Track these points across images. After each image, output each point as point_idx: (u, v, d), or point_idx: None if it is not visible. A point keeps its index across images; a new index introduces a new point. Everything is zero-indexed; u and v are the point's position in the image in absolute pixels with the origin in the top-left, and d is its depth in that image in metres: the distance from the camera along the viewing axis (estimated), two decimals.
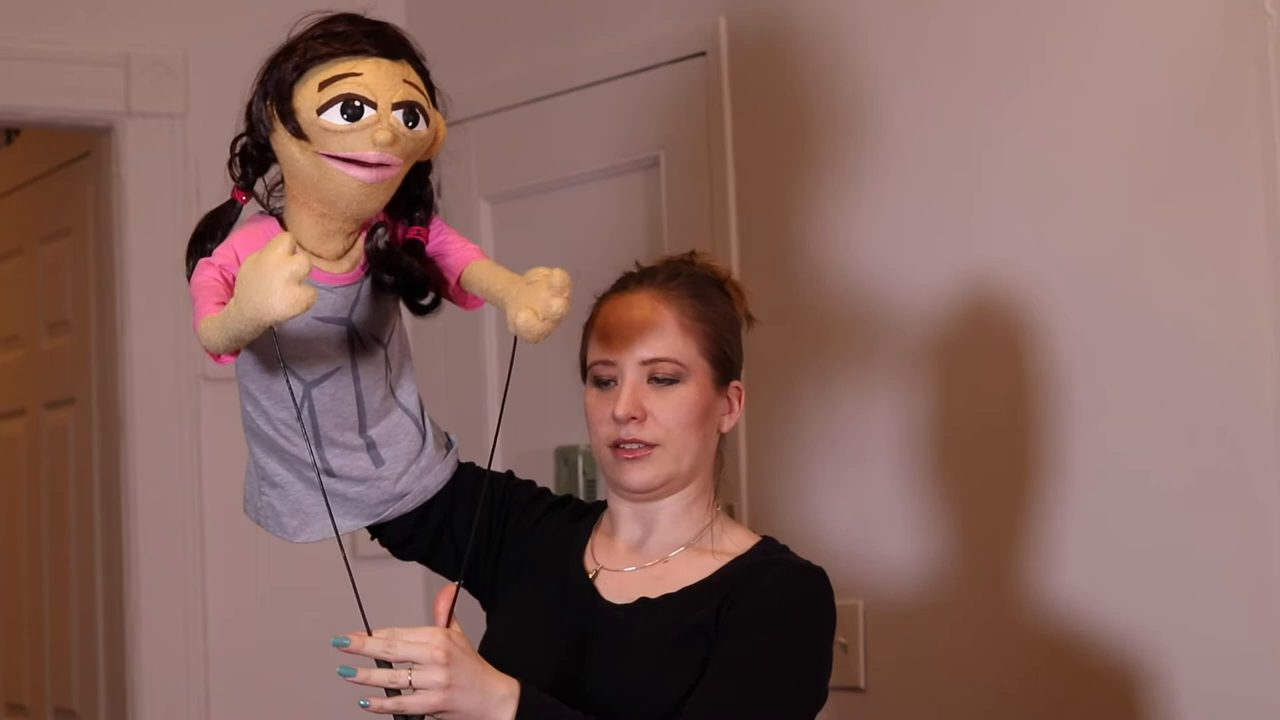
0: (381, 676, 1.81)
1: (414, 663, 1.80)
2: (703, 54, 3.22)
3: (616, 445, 2.03)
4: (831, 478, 2.97)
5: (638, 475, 2.03)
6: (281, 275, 1.69)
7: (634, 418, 2.01)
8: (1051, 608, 2.67)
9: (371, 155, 1.82)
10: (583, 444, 3.46)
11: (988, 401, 2.77)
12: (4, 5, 3.57)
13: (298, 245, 1.89)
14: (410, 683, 1.80)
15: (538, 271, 1.83)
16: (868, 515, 2.91)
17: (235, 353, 1.81)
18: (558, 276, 1.81)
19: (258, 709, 3.66)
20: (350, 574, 1.95)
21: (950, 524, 2.80)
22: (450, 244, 1.97)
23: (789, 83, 3.07)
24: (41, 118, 3.69)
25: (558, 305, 1.80)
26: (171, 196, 3.64)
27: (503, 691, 1.83)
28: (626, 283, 2.10)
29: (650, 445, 2.02)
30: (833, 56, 3.00)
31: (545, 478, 3.28)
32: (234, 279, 1.80)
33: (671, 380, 2.03)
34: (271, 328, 1.74)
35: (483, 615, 2.17)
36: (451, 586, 1.89)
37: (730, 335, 2.10)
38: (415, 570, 3.72)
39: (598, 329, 2.07)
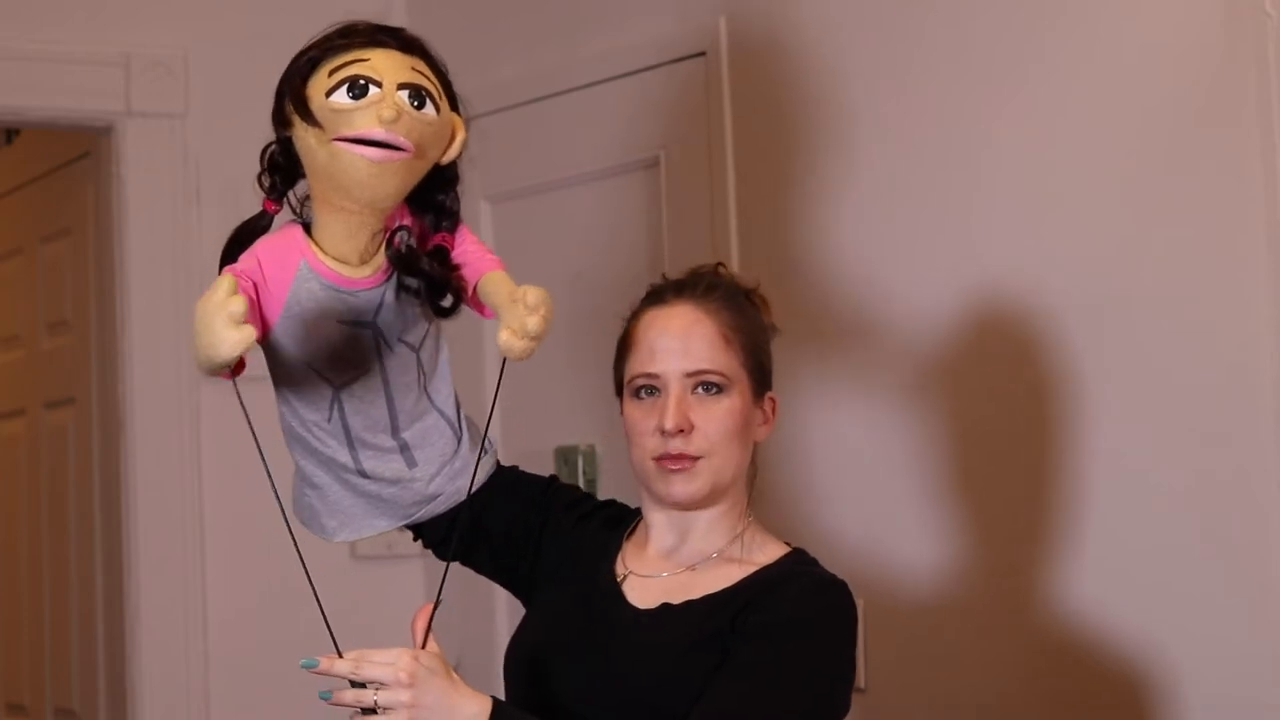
0: (350, 697, 1.83)
1: (380, 683, 1.81)
2: (703, 54, 3.22)
3: (660, 458, 2.03)
4: (834, 480, 2.97)
5: (683, 488, 2.03)
6: (220, 318, 1.76)
7: (682, 430, 2.02)
8: (1051, 608, 2.66)
9: (378, 132, 1.86)
10: (583, 444, 3.47)
11: (987, 403, 2.77)
12: (4, 5, 3.57)
13: (328, 258, 1.94)
14: (376, 703, 1.81)
15: (518, 290, 1.87)
16: (870, 516, 2.91)
17: (239, 368, 1.88)
18: (531, 295, 1.84)
19: (258, 709, 3.66)
20: (314, 590, 1.98)
21: (951, 525, 2.80)
22: (470, 253, 2.00)
23: (789, 83, 3.07)
24: (41, 118, 3.69)
25: (534, 323, 1.83)
26: (171, 196, 3.64)
27: (472, 710, 1.83)
28: (663, 295, 2.10)
29: (695, 458, 2.03)
30: (832, 56, 3.00)
31: None
32: (254, 286, 1.89)
33: (718, 389, 2.04)
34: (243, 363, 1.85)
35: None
36: (428, 606, 1.91)
37: (765, 346, 2.11)
38: (415, 570, 3.73)
39: (637, 343, 2.08)
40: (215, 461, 3.65)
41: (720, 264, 2.17)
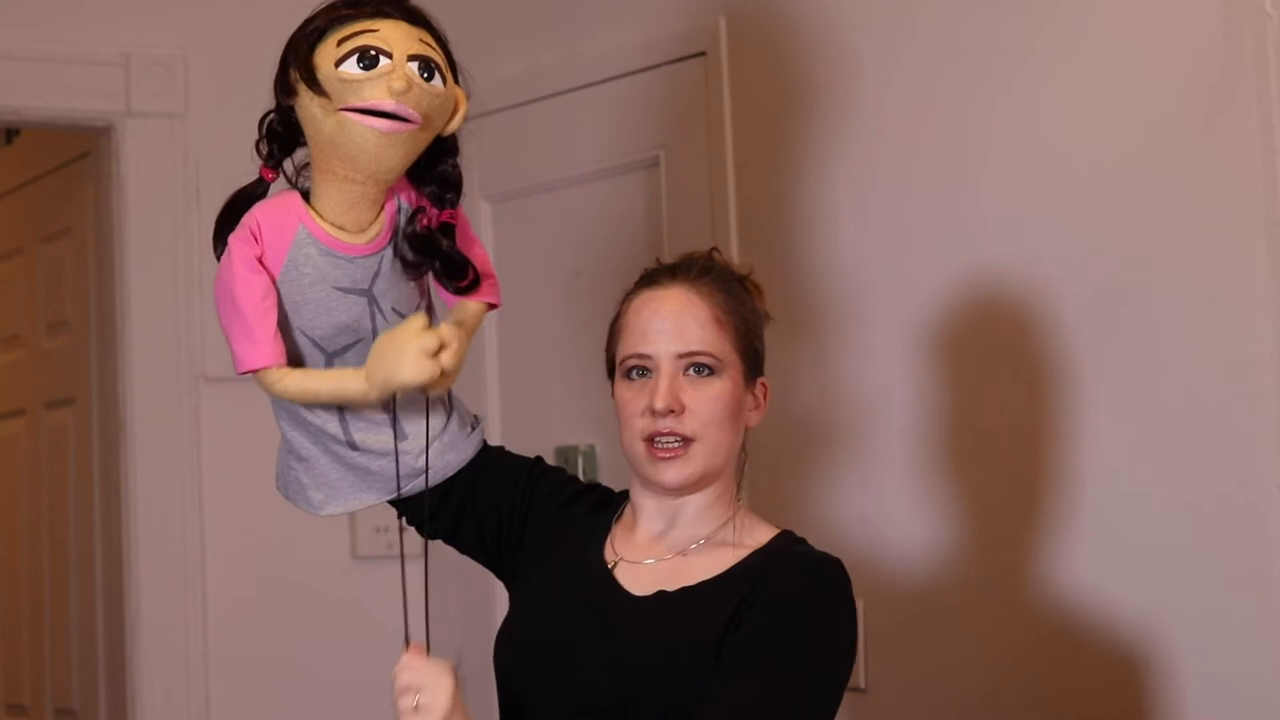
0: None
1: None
2: (703, 54, 3.22)
3: (651, 440, 2.03)
4: (834, 477, 2.98)
5: (673, 474, 2.03)
6: (414, 346, 1.89)
7: (672, 410, 2.01)
8: (1052, 606, 2.67)
9: (388, 104, 1.87)
10: (582, 444, 3.47)
11: (988, 400, 2.77)
12: (4, 5, 3.57)
13: (327, 224, 1.95)
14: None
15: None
16: (870, 515, 2.91)
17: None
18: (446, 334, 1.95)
19: (258, 709, 3.66)
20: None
21: (951, 523, 2.81)
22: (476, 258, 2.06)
23: (789, 82, 3.07)
24: (41, 118, 3.69)
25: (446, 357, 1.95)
26: (171, 196, 3.64)
27: None
28: (656, 278, 2.10)
29: (687, 440, 2.02)
30: (833, 55, 3.00)
31: None
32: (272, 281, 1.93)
33: (709, 371, 2.04)
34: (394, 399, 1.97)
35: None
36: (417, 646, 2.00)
37: (758, 331, 2.11)
38: (415, 570, 3.72)
39: (630, 324, 2.08)
40: (215, 461, 3.65)
41: (714, 249, 2.17)
